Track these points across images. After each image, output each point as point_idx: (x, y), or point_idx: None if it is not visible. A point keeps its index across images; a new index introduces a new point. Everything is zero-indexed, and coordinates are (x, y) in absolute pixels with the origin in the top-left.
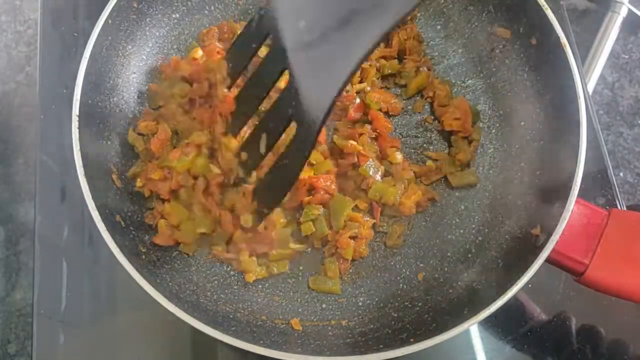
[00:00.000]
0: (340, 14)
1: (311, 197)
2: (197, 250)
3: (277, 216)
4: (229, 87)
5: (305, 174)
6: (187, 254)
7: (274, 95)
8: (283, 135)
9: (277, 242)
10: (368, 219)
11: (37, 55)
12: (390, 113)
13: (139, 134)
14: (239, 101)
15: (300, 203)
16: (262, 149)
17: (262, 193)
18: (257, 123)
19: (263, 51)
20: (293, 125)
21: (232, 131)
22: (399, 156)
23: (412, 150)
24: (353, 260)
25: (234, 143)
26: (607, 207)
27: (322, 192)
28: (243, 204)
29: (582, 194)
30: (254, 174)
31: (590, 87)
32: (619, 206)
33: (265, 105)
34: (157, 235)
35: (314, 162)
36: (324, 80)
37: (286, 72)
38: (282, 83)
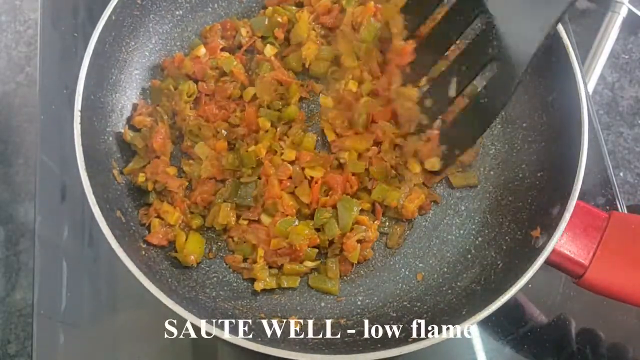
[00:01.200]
0: None
1: (328, 197)
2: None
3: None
4: (406, 39)
5: (318, 173)
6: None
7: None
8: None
9: (304, 256)
10: (373, 221)
11: (37, 56)
12: None
13: (132, 127)
14: (421, 50)
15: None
16: (452, 93)
17: (451, 136)
18: (443, 69)
19: None
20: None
21: (411, 81)
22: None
23: None
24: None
25: (415, 92)
26: (608, 207)
27: (339, 192)
28: (428, 148)
29: (582, 194)
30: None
31: (590, 87)
32: (619, 206)
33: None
34: (150, 234)
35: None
36: (534, 15)
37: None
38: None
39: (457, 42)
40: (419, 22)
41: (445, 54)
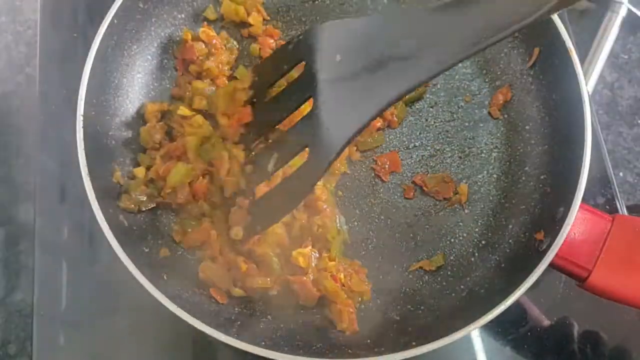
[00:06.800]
0: (377, 57)
1: None
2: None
3: None
4: (249, 100)
5: None
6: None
7: (292, 117)
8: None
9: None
10: None
11: (37, 56)
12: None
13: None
14: (258, 115)
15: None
16: (271, 167)
17: (259, 210)
18: (269, 140)
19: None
20: (305, 151)
21: (243, 142)
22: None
23: (420, 158)
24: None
25: (242, 153)
26: (607, 207)
27: None
28: (238, 216)
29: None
30: (256, 189)
31: (590, 87)
32: (618, 206)
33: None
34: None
35: None
36: (346, 116)
37: (311, 99)
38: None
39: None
40: (264, 85)
41: (277, 126)
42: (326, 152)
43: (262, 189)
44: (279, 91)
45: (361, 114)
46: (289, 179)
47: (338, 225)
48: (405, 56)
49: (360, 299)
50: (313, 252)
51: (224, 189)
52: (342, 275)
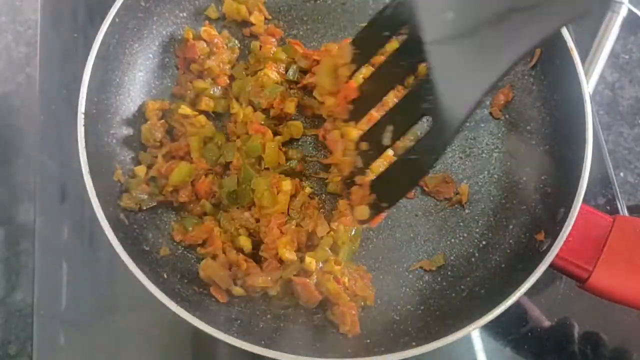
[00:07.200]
0: (498, 10)
1: None
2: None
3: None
4: (352, 74)
5: None
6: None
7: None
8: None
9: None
10: None
11: (37, 56)
12: None
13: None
14: (364, 89)
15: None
16: (387, 141)
17: (381, 186)
18: (383, 113)
19: None
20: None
21: (353, 119)
22: None
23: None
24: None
25: (355, 132)
26: (608, 207)
27: None
28: (360, 195)
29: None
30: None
31: (591, 87)
32: (619, 206)
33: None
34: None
35: None
36: (469, 78)
37: (422, 64)
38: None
39: (399, 89)
40: (365, 57)
41: (385, 98)
42: (450, 120)
43: (380, 164)
44: (385, 61)
45: (487, 73)
46: (411, 151)
47: (351, 233)
48: (531, 5)
49: (363, 302)
50: None
51: (340, 169)
52: (346, 279)
